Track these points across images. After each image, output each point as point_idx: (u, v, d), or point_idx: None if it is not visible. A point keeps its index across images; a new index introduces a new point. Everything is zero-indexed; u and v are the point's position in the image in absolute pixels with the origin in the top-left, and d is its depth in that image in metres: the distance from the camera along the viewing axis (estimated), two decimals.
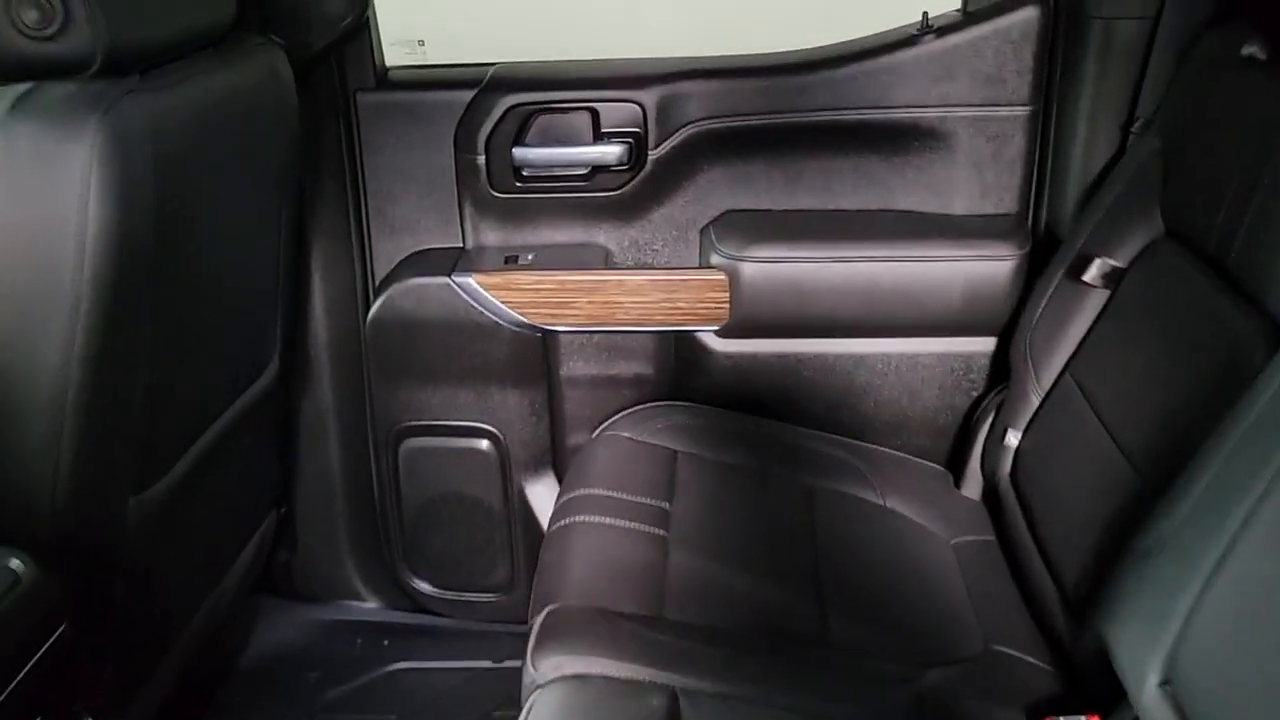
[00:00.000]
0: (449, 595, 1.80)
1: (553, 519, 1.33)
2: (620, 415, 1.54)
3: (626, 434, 1.49)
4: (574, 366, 1.68)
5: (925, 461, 1.57)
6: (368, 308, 1.63)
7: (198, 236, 1.16)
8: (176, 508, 1.23)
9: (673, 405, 1.58)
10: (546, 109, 1.56)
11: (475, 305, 1.58)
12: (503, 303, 1.58)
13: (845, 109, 1.52)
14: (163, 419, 1.16)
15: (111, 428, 1.07)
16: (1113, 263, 1.31)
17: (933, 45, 1.50)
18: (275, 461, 1.66)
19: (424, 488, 1.73)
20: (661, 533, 1.29)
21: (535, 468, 1.72)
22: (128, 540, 1.14)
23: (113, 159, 0.96)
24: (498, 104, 1.56)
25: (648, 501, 1.35)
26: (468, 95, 1.57)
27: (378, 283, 1.67)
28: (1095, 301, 1.33)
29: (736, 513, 1.37)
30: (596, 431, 1.53)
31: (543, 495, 1.72)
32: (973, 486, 1.50)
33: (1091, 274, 1.32)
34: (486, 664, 1.70)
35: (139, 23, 1.04)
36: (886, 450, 1.57)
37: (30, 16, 0.96)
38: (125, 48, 1.01)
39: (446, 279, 1.58)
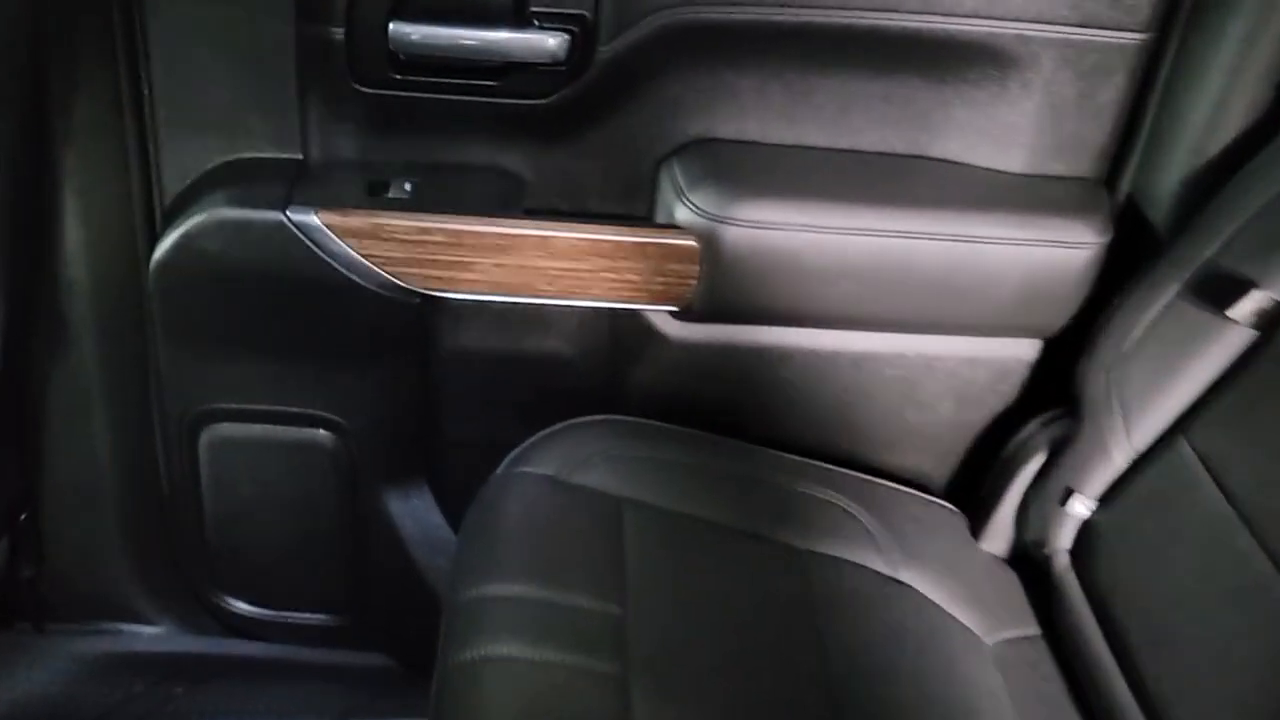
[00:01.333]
0: (270, 615, 1.34)
1: (452, 643, 0.87)
2: (539, 439, 1.07)
3: (549, 471, 1.03)
4: (463, 339, 1.19)
5: (932, 499, 1.18)
6: (152, 245, 1.08)
7: None
8: None
9: (610, 422, 1.12)
10: None
11: (323, 255, 1.06)
12: (365, 256, 1.07)
13: (882, 10, 1.04)
14: None
15: None
16: (1275, 297, 0.92)
17: None
18: (10, 457, 1.12)
19: (234, 488, 1.24)
20: (616, 669, 0.86)
21: (396, 470, 1.24)
22: None
23: None
24: None
25: (592, 606, 0.91)
26: None
27: (168, 206, 1.11)
28: (1234, 341, 0.95)
29: (716, 617, 0.95)
30: (506, 463, 1.06)
31: (405, 506, 1.26)
32: (997, 541, 1.14)
33: (1241, 310, 0.93)
34: None
35: None
36: (884, 484, 1.17)
37: None
38: None
39: (279, 216, 1.05)
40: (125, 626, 1.32)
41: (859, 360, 1.17)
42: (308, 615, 1.34)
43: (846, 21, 1.05)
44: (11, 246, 0.98)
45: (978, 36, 1.05)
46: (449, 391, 1.22)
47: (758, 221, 1.06)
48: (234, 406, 1.17)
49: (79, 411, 1.16)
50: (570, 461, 1.04)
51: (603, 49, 1.04)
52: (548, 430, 1.08)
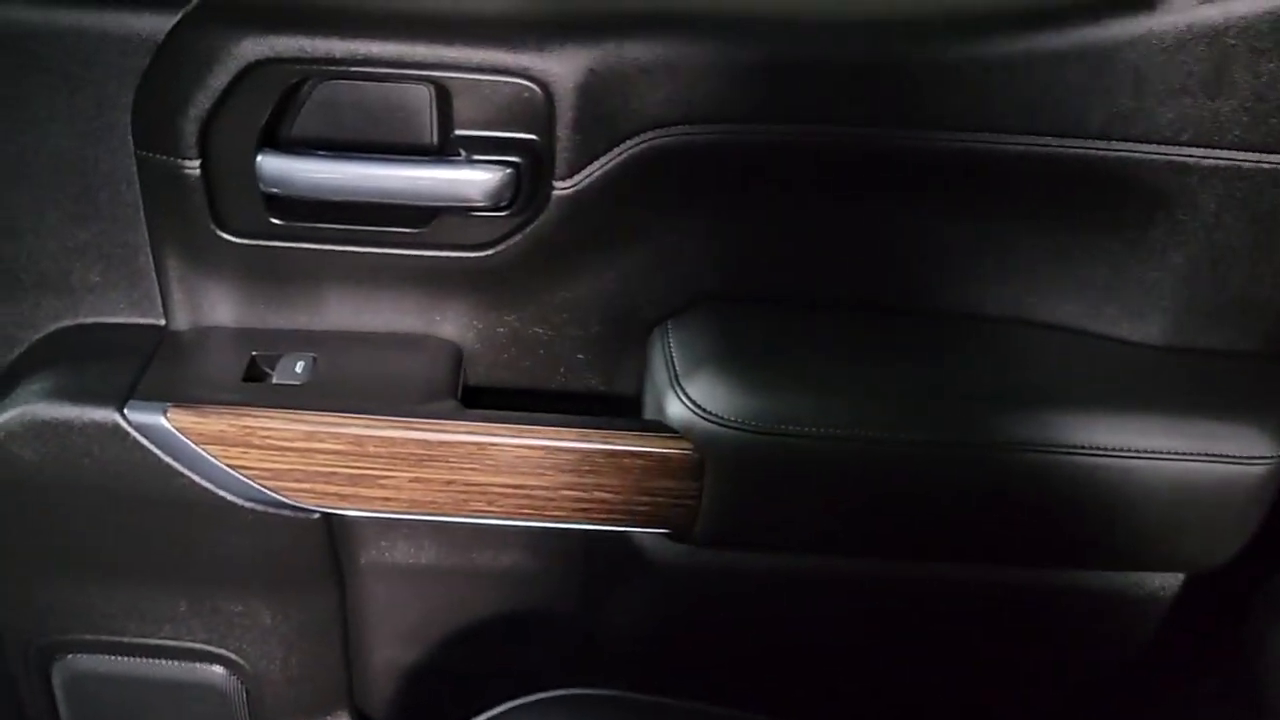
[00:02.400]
0: None
1: None
2: None
3: None
4: (385, 554, 0.90)
5: None
6: None
7: None
8: None
9: (573, 701, 0.80)
10: (334, 73, 0.71)
11: (176, 466, 0.77)
12: (235, 468, 0.77)
13: (967, 131, 0.72)
14: None
15: None
16: None
17: (1181, 16, 0.69)
18: None
19: None
20: None
21: (310, 710, 0.94)
22: None
23: None
24: (223, 52, 0.70)
25: None
26: (159, 25, 0.71)
27: None
28: None
29: None
30: None
31: None
32: None
33: None
34: None
35: None
36: None
37: None
38: None
39: (114, 415, 0.75)
40: None
41: (929, 596, 0.84)
42: None
43: (914, 143, 0.73)
44: None
45: (1111, 164, 0.72)
46: (373, 616, 0.92)
47: (782, 426, 0.74)
48: (89, 637, 0.89)
49: None
50: None
51: (560, 185, 0.73)
52: (484, 717, 0.77)
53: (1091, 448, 0.74)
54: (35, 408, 0.76)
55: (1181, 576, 0.83)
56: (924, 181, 0.76)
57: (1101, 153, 0.72)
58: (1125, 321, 0.79)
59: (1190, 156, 0.71)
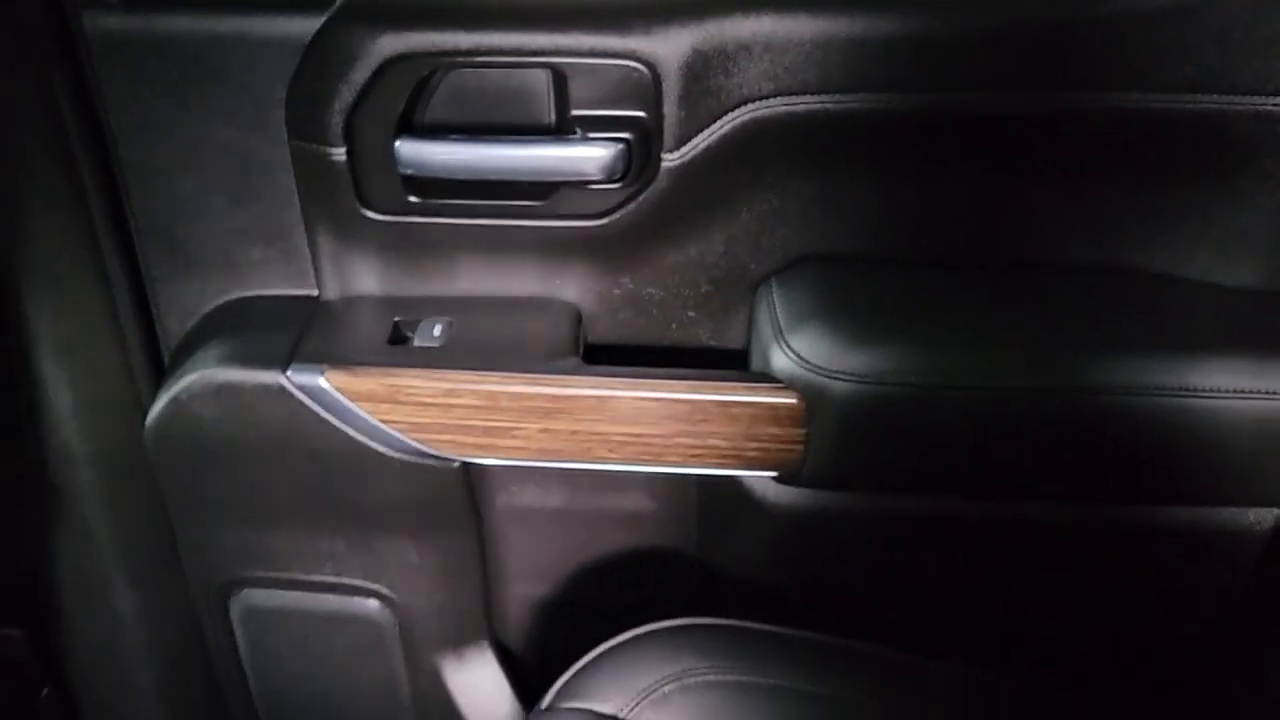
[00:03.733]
0: None
1: None
2: (598, 658, 0.84)
3: (607, 709, 0.80)
4: (518, 498, 0.98)
5: None
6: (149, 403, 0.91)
7: None
8: None
9: (690, 630, 0.87)
10: (462, 63, 0.78)
11: (334, 421, 0.86)
12: (384, 422, 0.86)
13: (1054, 89, 0.75)
14: None
15: None
16: None
17: None
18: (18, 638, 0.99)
19: (277, 655, 1.06)
20: None
21: (454, 639, 1.04)
22: None
23: None
24: (363, 49, 0.78)
25: None
26: (307, 27, 0.79)
27: (168, 358, 0.93)
28: None
29: None
30: (554, 693, 0.83)
31: (466, 678, 1.06)
32: None
33: None
34: None
35: None
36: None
37: None
38: None
39: (279, 377, 0.85)
40: None
41: (1025, 535, 0.89)
42: None
43: (1005, 106, 0.76)
44: None
45: (1198, 117, 0.75)
46: (508, 554, 1.01)
47: (882, 376, 0.79)
48: (262, 574, 1.00)
49: (93, 582, 1.00)
50: (636, 691, 0.80)
51: (668, 157, 0.80)
52: (610, 644, 0.85)
53: (1184, 389, 0.78)
54: (211, 372, 0.86)
55: (1277, 511, 0.86)
56: (1014, 141, 0.79)
57: (1189, 106, 0.74)
58: (1217, 269, 0.82)
59: (1276, 106, 0.73)
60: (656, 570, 1.00)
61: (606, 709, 0.80)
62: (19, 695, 1.02)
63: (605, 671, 0.83)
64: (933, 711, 0.82)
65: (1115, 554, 0.90)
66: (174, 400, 0.87)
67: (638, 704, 0.80)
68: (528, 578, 1.04)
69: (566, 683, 0.83)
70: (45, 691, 1.05)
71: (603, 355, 0.92)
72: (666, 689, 0.81)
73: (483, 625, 1.05)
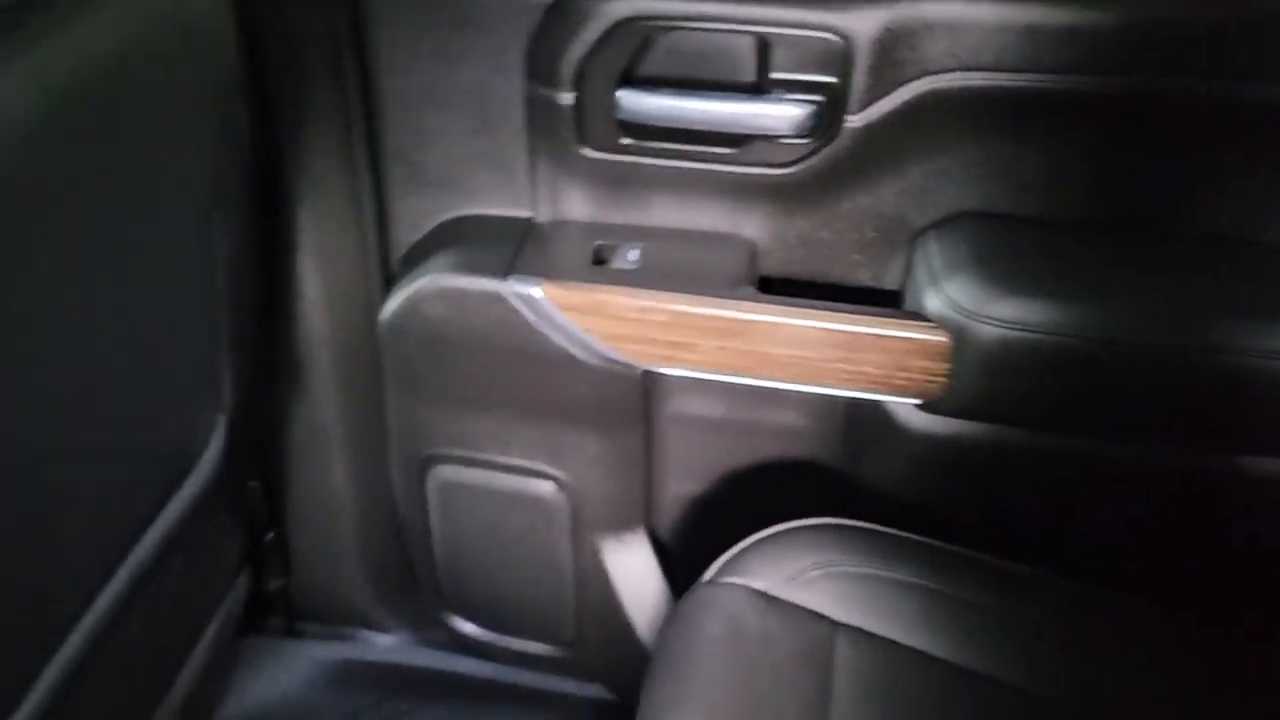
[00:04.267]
0: (494, 639, 1.35)
1: None
2: (753, 543, 0.99)
3: (760, 585, 0.94)
4: (687, 406, 1.12)
5: None
6: (384, 299, 1.07)
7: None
8: None
9: (835, 528, 1.01)
10: (680, 26, 0.91)
11: (542, 328, 1.01)
12: (586, 331, 1.01)
13: (1243, 79, 0.85)
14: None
15: None
16: None
17: None
18: (255, 486, 1.18)
19: (461, 523, 1.24)
20: None
21: (615, 524, 1.20)
22: None
23: None
24: (597, 12, 0.91)
25: None
26: None
27: (399, 261, 1.09)
28: None
29: None
30: (715, 569, 0.98)
31: (622, 559, 1.21)
32: None
33: None
34: None
35: None
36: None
37: None
38: None
39: (497, 285, 1.00)
40: (364, 634, 1.38)
41: (1147, 476, 0.99)
42: (530, 643, 1.35)
43: (1160, 94, 0.86)
44: (251, 297, 1.00)
45: None
46: (671, 454, 1.16)
47: (1025, 323, 0.91)
48: (458, 453, 1.17)
49: (318, 447, 1.19)
50: (785, 574, 0.95)
51: (852, 119, 0.92)
52: (763, 534, 0.99)
53: None
54: (440, 278, 1.02)
55: None
56: (1168, 123, 0.89)
57: None
58: None
59: None
60: (803, 478, 1.13)
61: (758, 585, 0.94)
62: (251, 536, 1.21)
63: (758, 556, 0.97)
64: (1045, 619, 0.94)
65: (1228, 500, 0.99)
66: (407, 299, 1.03)
67: (785, 583, 0.94)
68: (685, 477, 1.18)
69: (726, 563, 0.98)
70: (270, 535, 1.25)
71: (774, 287, 1.05)
72: (811, 574, 0.95)
73: (641, 514, 1.20)
